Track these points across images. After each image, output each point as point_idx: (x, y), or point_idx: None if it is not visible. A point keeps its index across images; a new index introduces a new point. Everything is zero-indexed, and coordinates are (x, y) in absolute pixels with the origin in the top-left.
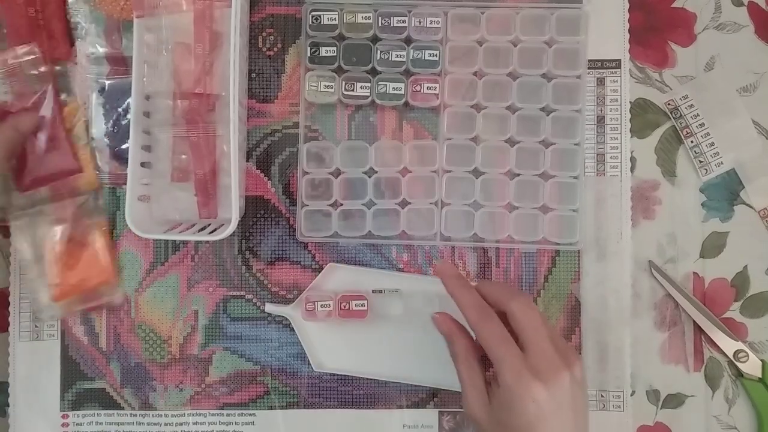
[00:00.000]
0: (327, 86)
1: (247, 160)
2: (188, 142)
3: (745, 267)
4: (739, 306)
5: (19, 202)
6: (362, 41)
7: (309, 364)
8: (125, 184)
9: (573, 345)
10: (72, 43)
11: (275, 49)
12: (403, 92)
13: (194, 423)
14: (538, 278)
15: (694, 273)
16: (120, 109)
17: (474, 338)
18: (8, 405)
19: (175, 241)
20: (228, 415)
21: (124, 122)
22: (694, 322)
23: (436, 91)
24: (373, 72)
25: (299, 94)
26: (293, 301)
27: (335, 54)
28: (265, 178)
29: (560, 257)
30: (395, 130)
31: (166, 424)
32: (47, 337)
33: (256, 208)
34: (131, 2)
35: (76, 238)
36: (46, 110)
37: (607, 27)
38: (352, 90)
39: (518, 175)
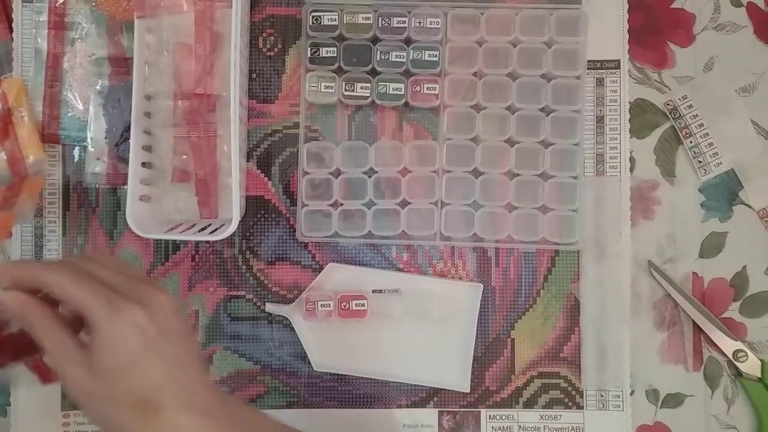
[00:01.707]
0: (327, 87)
1: (248, 160)
2: (189, 142)
3: (744, 267)
4: (738, 306)
5: None
6: (362, 42)
7: (309, 363)
8: (126, 184)
9: (573, 344)
10: (9, 23)
11: (275, 49)
12: (403, 92)
13: None
14: (537, 278)
15: (694, 273)
16: (120, 110)
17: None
18: (9, 405)
19: (175, 241)
20: None
21: (124, 122)
22: (693, 321)
23: (436, 92)
24: (373, 72)
25: (299, 95)
26: (293, 301)
27: (335, 54)
28: (266, 178)
29: (560, 257)
30: (395, 130)
31: None
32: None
33: (256, 208)
34: (133, 3)
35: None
36: None
37: (606, 27)
38: (352, 90)
39: (518, 175)
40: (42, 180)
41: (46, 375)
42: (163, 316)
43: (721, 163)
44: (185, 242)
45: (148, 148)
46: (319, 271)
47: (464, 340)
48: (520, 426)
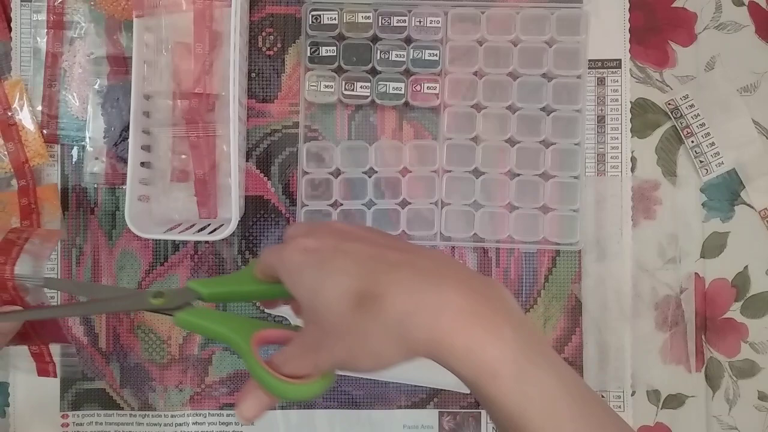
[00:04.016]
0: (327, 86)
1: (247, 160)
2: (188, 142)
3: (746, 267)
4: (739, 306)
5: None
6: (362, 41)
7: None
8: (124, 184)
9: (574, 345)
10: (9, 23)
11: (275, 48)
12: (403, 92)
13: (194, 423)
14: (538, 278)
15: (695, 273)
16: (119, 109)
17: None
18: (8, 405)
19: (174, 241)
20: (228, 415)
21: (123, 122)
22: (695, 322)
23: (436, 91)
24: (373, 72)
25: (299, 94)
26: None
27: (335, 54)
28: (265, 178)
29: (560, 257)
30: (395, 130)
31: (165, 425)
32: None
33: (256, 208)
34: (132, 2)
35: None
36: None
37: (607, 27)
38: (352, 90)
39: (518, 175)
40: (56, 189)
41: (43, 367)
42: (329, 230)
43: (722, 163)
44: (184, 242)
45: (146, 148)
46: None
47: None
48: None
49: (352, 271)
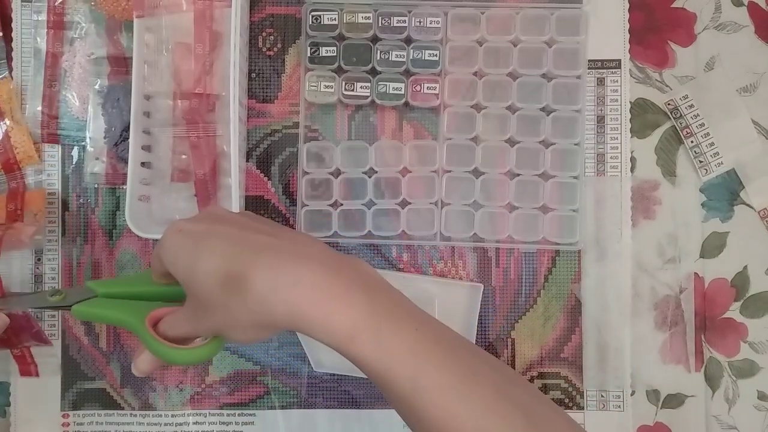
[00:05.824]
0: (327, 86)
1: (247, 160)
2: (188, 142)
3: (745, 267)
4: (739, 306)
5: None
6: (362, 41)
7: (309, 364)
8: (125, 184)
9: (573, 345)
10: (9, 23)
11: (275, 49)
12: (403, 92)
13: (194, 423)
14: (538, 278)
15: (695, 273)
16: (120, 109)
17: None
18: (9, 405)
19: None
20: (228, 415)
21: (123, 122)
22: (695, 322)
23: (436, 91)
24: (373, 72)
25: (299, 94)
26: None
27: (335, 54)
28: (265, 178)
29: (560, 257)
30: (395, 130)
31: (166, 424)
32: (48, 337)
33: (256, 208)
34: (132, 2)
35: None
36: None
37: (607, 27)
38: (352, 90)
39: (518, 175)
40: (44, 195)
41: (25, 368)
42: (205, 214)
43: (722, 163)
44: None
45: (147, 148)
46: None
47: None
48: None
49: (221, 253)
